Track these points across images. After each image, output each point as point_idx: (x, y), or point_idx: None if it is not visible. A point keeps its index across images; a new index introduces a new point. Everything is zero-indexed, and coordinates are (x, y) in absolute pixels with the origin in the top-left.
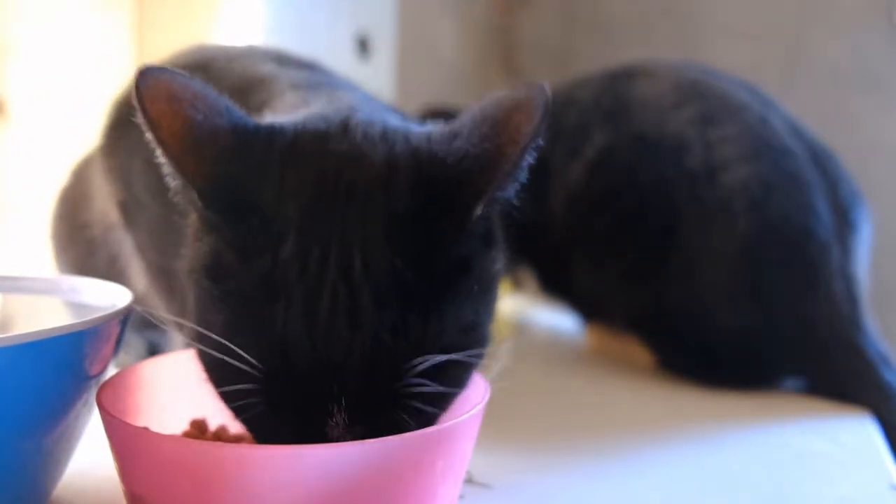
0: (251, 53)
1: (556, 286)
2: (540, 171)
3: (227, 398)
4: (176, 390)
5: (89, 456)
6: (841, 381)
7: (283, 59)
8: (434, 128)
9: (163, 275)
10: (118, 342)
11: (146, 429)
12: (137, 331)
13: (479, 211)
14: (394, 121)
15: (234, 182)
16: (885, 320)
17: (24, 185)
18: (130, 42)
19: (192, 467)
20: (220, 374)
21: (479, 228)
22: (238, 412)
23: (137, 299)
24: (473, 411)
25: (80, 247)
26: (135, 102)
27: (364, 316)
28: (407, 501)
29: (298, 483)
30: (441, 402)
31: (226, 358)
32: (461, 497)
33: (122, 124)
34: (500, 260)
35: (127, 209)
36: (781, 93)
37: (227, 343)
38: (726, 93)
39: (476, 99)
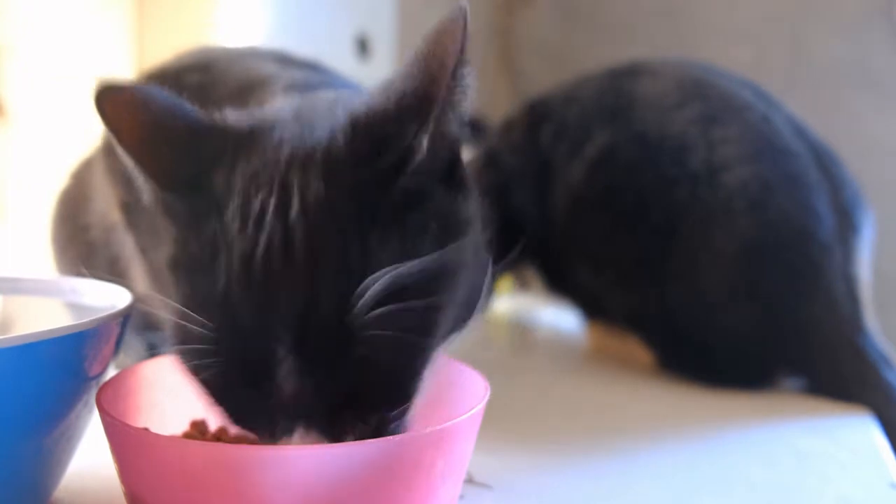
0: (253, 54)
1: (559, 284)
2: (542, 168)
3: (193, 370)
4: (176, 391)
5: (89, 457)
6: (842, 380)
7: (285, 60)
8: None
9: (163, 274)
10: (118, 343)
11: (146, 430)
12: (138, 332)
13: (421, 143)
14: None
15: (188, 169)
16: (887, 320)
17: (25, 186)
18: (130, 42)
19: (192, 468)
20: (182, 346)
21: (431, 165)
22: (206, 386)
23: (138, 300)
24: (473, 411)
25: (80, 248)
26: (98, 118)
27: (298, 251)
28: (407, 501)
29: (298, 483)
30: (410, 330)
31: (184, 323)
32: (461, 497)
33: None
34: (470, 206)
35: (128, 210)
36: (782, 92)
37: (182, 309)
38: (729, 92)
39: (475, 99)
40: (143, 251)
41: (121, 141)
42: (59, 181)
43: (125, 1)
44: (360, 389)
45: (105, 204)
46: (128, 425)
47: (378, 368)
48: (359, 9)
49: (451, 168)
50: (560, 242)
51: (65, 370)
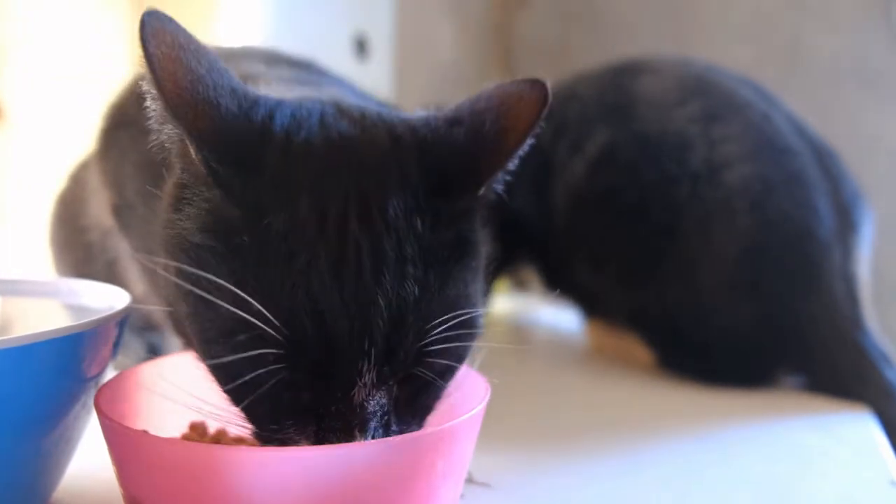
0: (244, 54)
1: (558, 283)
2: (542, 166)
3: (236, 370)
4: (175, 393)
5: (88, 459)
6: (841, 378)
7: (274, 59)
8: (427, 113)
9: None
10: (116, 344)
11: (145, 432)
12: (136, 333)
13: (482, 191)
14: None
15: (238, 140)
16: (886, 318)
17: (24, 188)
18: (129, 44)
19: (191, 470)
20: (227, 340)
21: (476, 212)
22: (247, 388)
23: (136, 302)
24: (474, 411)
25: (79, 250)
26: (139, 42)
27: (389, 269)
28: (408, 501)
29: (299, 484)
30: (455, 361)
31: (245, 316)
32: (462, 496)
33: (115, 128)
34: (487, 242)
35: (120, 213)
36: (780, 90)
37: (235, 308)
38: (730, 90)
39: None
40: (137, 253)
41: (157, 76)
42: (58, 183)
43: (123, 2)
44: (406, 403)
45: (100, 207)
46: (126, 427)
47: (423, 387)
48: (357, 9)
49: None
50: (560, 241)
51: (63, 371)
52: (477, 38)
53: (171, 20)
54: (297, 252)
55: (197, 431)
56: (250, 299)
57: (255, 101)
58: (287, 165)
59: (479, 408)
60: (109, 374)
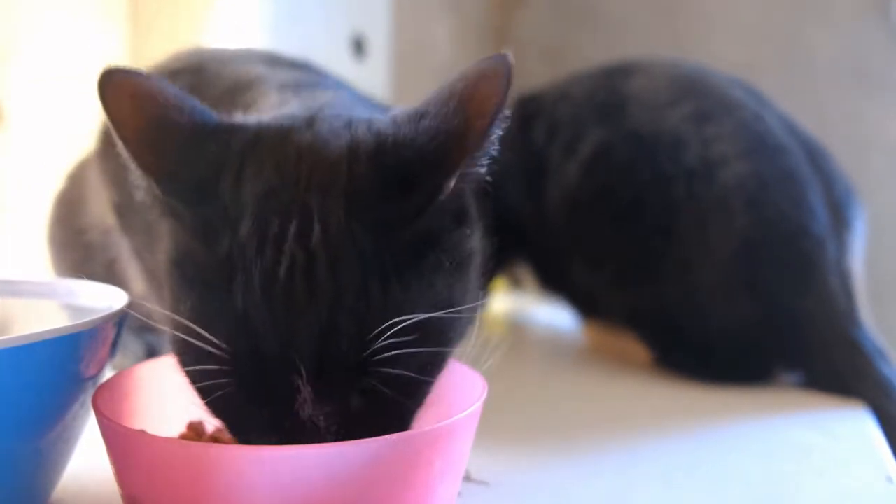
0: (244, 56)
1: (554, 283)
2: (536, 167)
3: (199, 385)
4: (173, 393)
5: (87, 459)
6: (838, 375)
7: (274, 61)
8: (400, 111)
9: (158, 276)
10: (114, 344)
11: (143, 432)
12: (135, 333)
13: (448, 186)
14: (376, 116)
15: (192, 172)
16: (882, 315)
17: (23, 188)
18: (126, 45)
19: (189, 470)
20: (190, 360)
21: (450, 204)
22: (211, 402)
23: (135, 302)
24: (471, 409)
25: (78, 250)
26: (99, 101)
27: (321, 282)
28: (406, 500)
29: (296, 484)
30: (415, 371)
31: (194, 341)
32: (459, 494)
33: None
34: (475, 238)
35: (122, 212)
36: (778, 89)
37: (193, 327)
38: (721, 90)
39: None
40: (138, 253)
41: (120, 131)
42: (57, 183)
43: (121, 3)
44: (367, 418)
45: (100, 206)
46: (124, 427)
47: (385, 400)
48: (354, 9)
49: (460, 202)
50: (555, 241)
51: (61, 371)
52: (475, 38)
53: (127, 72)
54: (234, 272)
55: (195, 431)
56: (190, 324)
57: (215, 129)
58: (236, 191)
59: (477, 406)
60: (108, 374)
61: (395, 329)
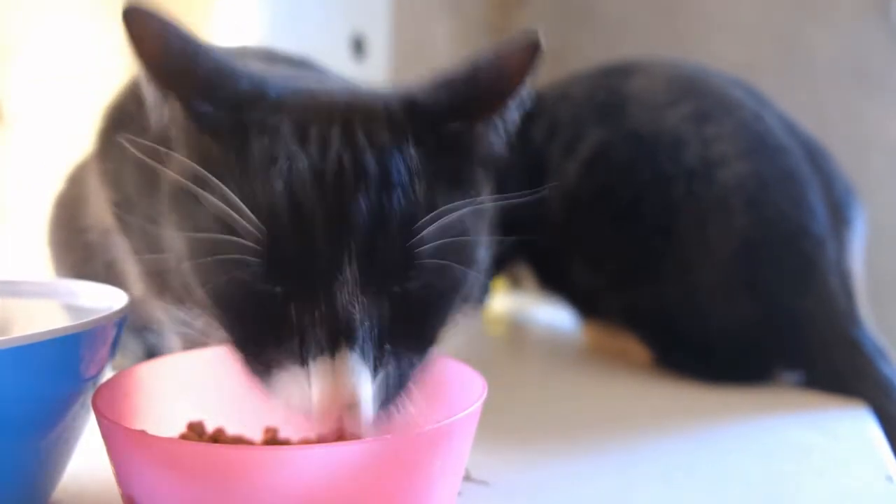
0: (241, 53)
1: (554, 283)
2: (536, 166)
3: (220, 287)
4: (173, 393)
5: (87, 459)
6: (838, 374)
7: (272, 58)
8: (421, 82)
9: (157, 276)
10: (114, 344)
11: (143, 432)
12: (135, 333)
13: (476, 129)
14: None
15: (224, 94)
16: (882, 315)
17: (23, 189)
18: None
19: (189, 470)
20: (207, 245)
21: (474, 150)
22: (230, 301)
23: (134, 302)
24: (471, 409)
25: (78, 251)
26: (123, 26)
27: (370, 172)
28: (406, 500)
29: (296, 483)
30: (449, 280)
31: (227, 210)
32: (459, 494)
33: (114, 128)
34: (488, 193)
35: (120, 212)
36: (778, 89)
37: (223, 208)
38: (721, 90)
39: None
40: (137, 253)
41: (144, 54)
42: (57, 184)
43: (121, 4)
44: (401, 324)
45: (99, 207)
46: (124, 427)
47: (417, 307)
48: (354, 9)
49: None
50: (555, 241)
51: (61, 371)
52: (475, 38)
53: (150, 8)
54: (277, 158)
55: (195, 431)
56: (228, 191)
57: (243, 69)
58: (275, 108)
59: (477, 405)
60: (108, 374)
61: (437, 224)
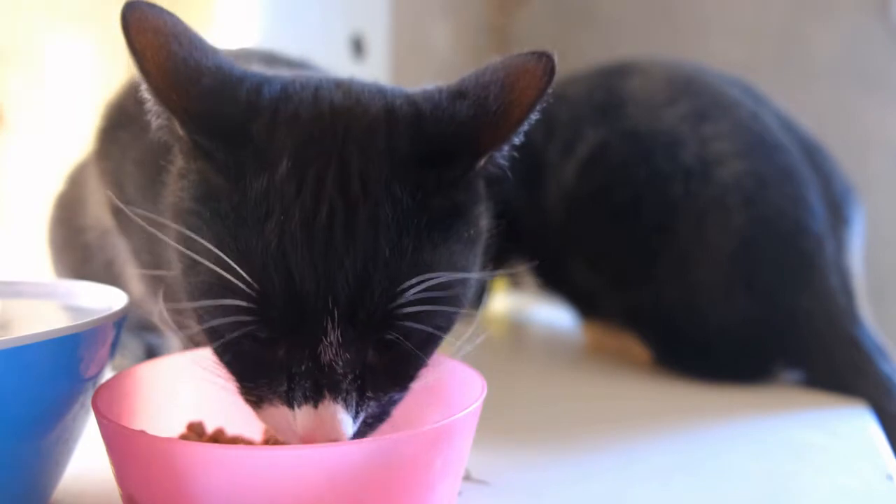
0: (241, 55)
1: (553, 283)
2: (535, 167)
3: (215, 327)
4: (173, 393)
5: (87, 459)
6: (838, 373)
7: (272, 59)
8: (432, 88)
9: (156, 277)
10: (114, 345)
11: (142, 432)
12: (134, 334)
13: (479, 164)
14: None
15: (222, 113)
16: (881, 313)
17: (23, 190)
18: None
19: (189, 470)
20: (207, 299)
21: (475, 182)
22: (226, 343)
23: (134, 303)
24: (471, 408)
25: (78, 251)
26: (122, 33)
27: (361, 232)
28: (406, 499)
29: (297, 483)
30: (433, 328)
31: (218, 270)
32: (459, 494)
33: (114, 128)
34: (484, 217)
35: (119, 212)
36: (777, 88)
37: (222, 256)
38: (718, 89)
39: None
40: (136, 253)
41: (142, 64)
42: (57, 184)
43: (120, 5)
44: (381, 370)
45: (99, 207)
46: (124, 427)
47: (400, 354)
48: (353, 9)
49: (480, 181)
50: (554, 241)
51: (61, 372)
52: (474, 38)
53: (151, 6)
54: (272, 212)
55: (194, 431)
56: (224, 256)
57: (242, 77)
58: (271, 135)
59: (476, 405)
60: (107, 374)
61: (423, 286)
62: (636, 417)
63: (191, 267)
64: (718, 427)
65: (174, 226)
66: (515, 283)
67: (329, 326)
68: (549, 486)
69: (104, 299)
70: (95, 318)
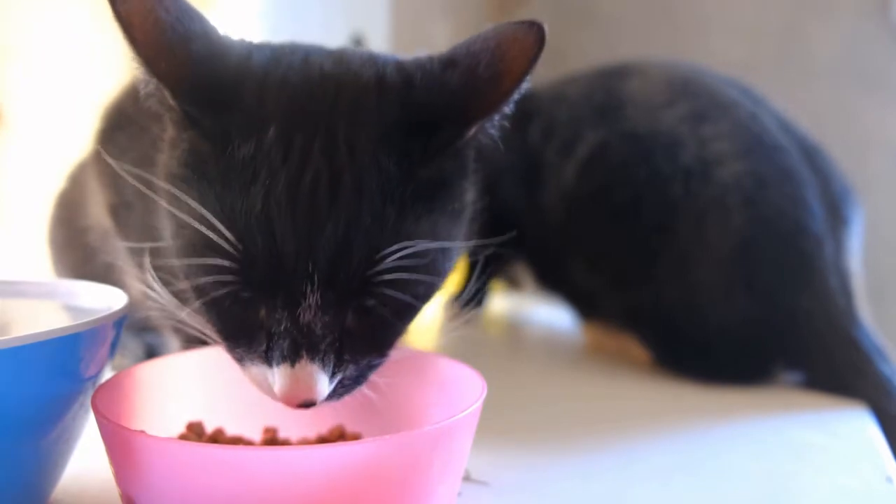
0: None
1: (553, 283)
2: (533, 167)
3: (200, 285)
4: (172, 393)
5: (86, 459)
6: (838, 374)
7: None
8: (424, 56)
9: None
10: (113, 345)
11: (142, 432)
12: (134, 334)
13: (468, 134)
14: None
15: (211, 82)
16: (881, 313)
17: (23, 189)
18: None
19: (188, 470)
20: (192, 252)
21: (463, 154)
22: (207, 302)
23: (134, 303)
24: (471, 409)
25: (78, 251)
26: (108, 3)
27: (344, 198)
28: (406, 500)
29: (295, 484)
30: (410, 296)
31: (204, 230)
32: (459, 494)
33: (112, 128)
34: (470, 192)
35: (118, 213)
36: (776, 87)
37: (209, 216)
38: (717, 90)
39: None
40: (135, 254)
41: (129, 32)
42: (57, 184)
43: None
44: (359, 334)
45: (99, 207)
46: (124, 427)
47: (377, 322)
48: (353, 9)
49: (468, 153)
50: (553, 241)
51: (60, 372)
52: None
53: None
54: (258, 176)
55: (194, 431)
56: (210, 216)
57: (231, 43)
58: (259, 100)
59: (476, 405)
60: (108, 374)
61: (401, 253)
62: (636, 417)
63: (180, 228)
64: (718, 427)
65: (165, 186)
66: (515, 283)
67: (308, 289)
68: (549, 486)
69: (104, 299)
70: (96, 317)
